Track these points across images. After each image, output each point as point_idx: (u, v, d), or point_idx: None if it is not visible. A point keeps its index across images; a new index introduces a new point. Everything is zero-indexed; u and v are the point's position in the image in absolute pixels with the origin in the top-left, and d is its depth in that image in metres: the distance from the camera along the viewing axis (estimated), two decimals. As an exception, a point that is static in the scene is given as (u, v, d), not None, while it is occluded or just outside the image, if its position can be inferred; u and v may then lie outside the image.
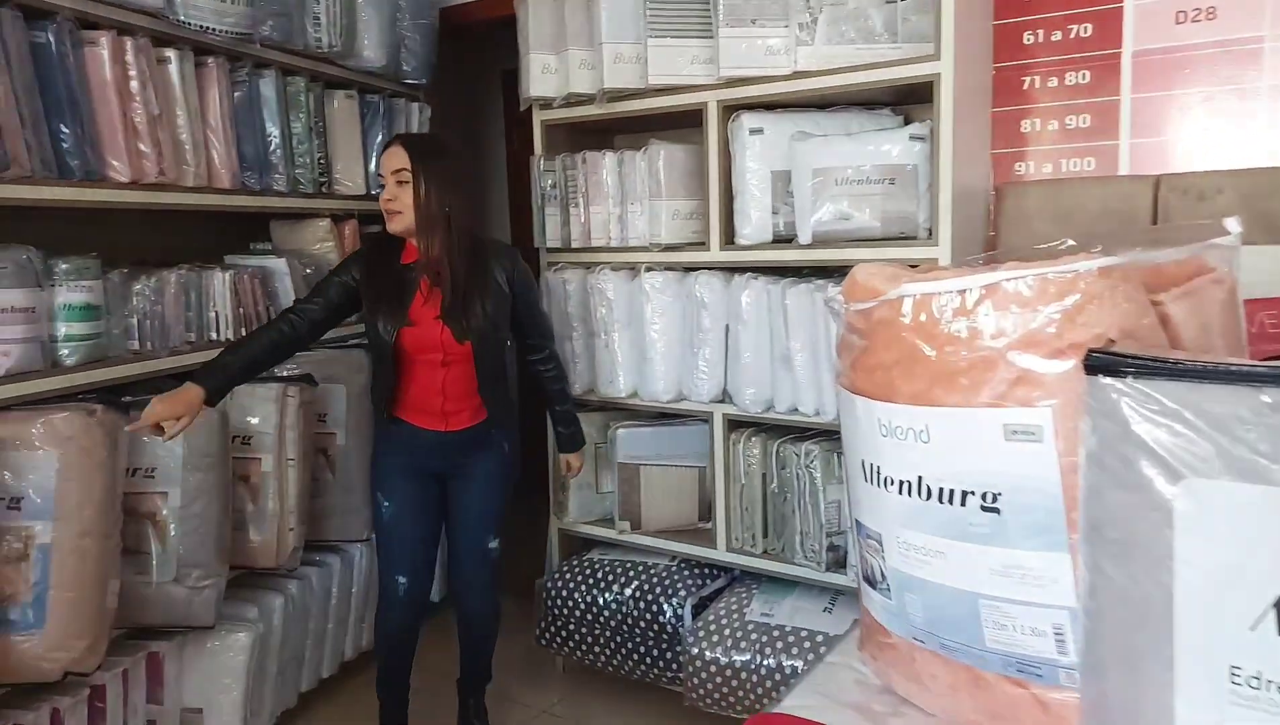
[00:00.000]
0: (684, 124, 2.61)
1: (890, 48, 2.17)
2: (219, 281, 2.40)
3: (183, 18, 2.19)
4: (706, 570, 2.65)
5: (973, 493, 0.99)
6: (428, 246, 2.05)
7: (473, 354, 2.09)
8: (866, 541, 1.16)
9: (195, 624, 2.18)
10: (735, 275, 2.42)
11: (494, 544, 2.26)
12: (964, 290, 0.99)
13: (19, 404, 1.89)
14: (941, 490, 1.02)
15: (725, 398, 2.50)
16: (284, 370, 2.57)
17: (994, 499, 0.98)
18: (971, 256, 1.46)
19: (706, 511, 2.65)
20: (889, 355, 1.08)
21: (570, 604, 2.69)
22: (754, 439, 2.47)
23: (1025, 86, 2.42)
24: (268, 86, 2.54)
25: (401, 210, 2.05)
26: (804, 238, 2.25)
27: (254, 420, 2.38)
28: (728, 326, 2.44)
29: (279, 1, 2.48)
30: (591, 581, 2.68)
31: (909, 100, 2.35)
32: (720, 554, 2.57)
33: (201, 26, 2.23)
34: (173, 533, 2.13)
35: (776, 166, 2.31)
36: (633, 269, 2.59)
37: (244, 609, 2.41)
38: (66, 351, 2.00)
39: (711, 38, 2.34)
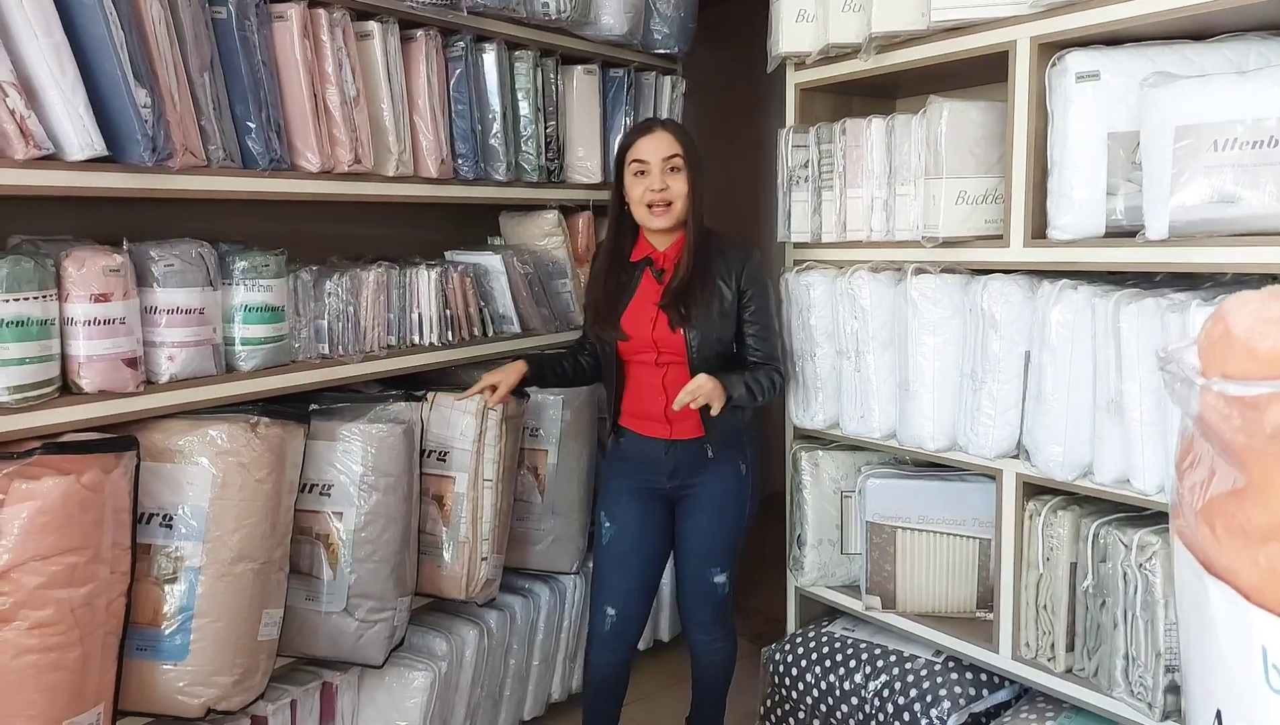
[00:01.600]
0: (980, 78, 1.95)
1: (1323, -69, 1.37)
2: (425, 280, 2.18)
3: (385, -14, 1.97)
4: (983, 677, 1.98)
5: None
6: (690, 241, 1.90)
7: (687, 353, 1.89)
8: None
9: (362, 662, 1.98)
10: (1044, 282, 1.74)
11: (720, 578, 2.00)
12: None
13: (186, 413, 1.76)
14: None
15: (1020, 452, 1.82)
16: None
17: None
18: None
19: (988, 598, 1.98)
20: None
21: (802, 685, 2.16)
22: (1061, 514, 1.76)
23: None
24: (489, 62, 2.27)
25: (673, 200, 1.89)
26: (1157, 230, 1.52)
27: (452, 434, 2.13)
28: (1028, 354, 1.76)
29: (498, -37, 2.20)
30: (830, 663, 2.13)
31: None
32: (1002, 660, 1.90)
33: (403, -7, 1.99)
34: (345, 558, 1.93)
35: (1117, 127, 1.60)
36: (898, 270, 1.98)
37: (433, 641, 2.19)
38: (244, 355, 1.85)
39: (1023, -51, 1.66)
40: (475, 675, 2.25)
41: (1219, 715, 0.57)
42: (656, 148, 1.89)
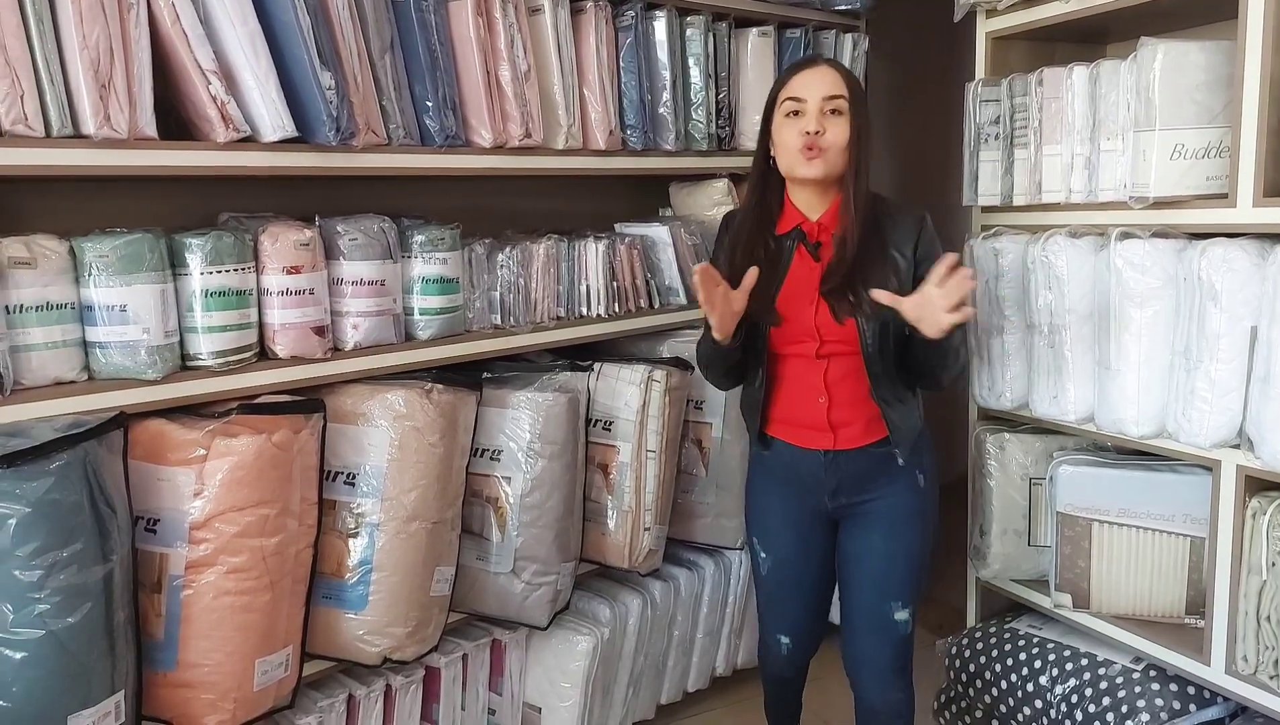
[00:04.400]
0: (1206, 17, 1.70)
1: None
2: (593, 252, 2.19)
3: (552, -40, 1.98)
4: (1189, 690, 1.77)
5: None
6: (847, 202, 1.60)
7: (859, 343, 1.59)
8: None
9: (527, 622, 2.04)
10: (1278, 247, 1.49)
11: (903, 615, 1.68)
12: None
13: (370, 379, 1.87)
14: None
15: (1242, 442, 1.59)
16: (662, 350, 2.31)
17: None
18: None
19: (1198, 603, 1.76)
20: None
21: (981, 682, 2.03)
22: (1292, 513, 1.53)
23: None
24: (659, 30, 2.24)
25: (828, 147, 1.57)
26: None
27: (617, 404, 2.15)
28: (1254, 330, 1.54)
29: (671, -73, 2.15)
30: (1012, 661, 1.98)
31: None
32: (1213, 674, 1.69)
33: (574, -34, 2.00)
34: (512, 521, 1.99)
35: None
36: (1101, 235, 1.78)
37: (598, 607, 2.23)
38: (422, 325, 1.94)
39: None
40: (639, 644, 2.27)
41: None
42: (817, 84, 1.59)
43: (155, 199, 1.84)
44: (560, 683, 2.14)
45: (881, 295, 1.49)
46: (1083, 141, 1.81)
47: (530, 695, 2.18)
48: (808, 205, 1.67)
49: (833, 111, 1.58)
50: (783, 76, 1.68)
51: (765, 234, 1.68)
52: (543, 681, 2.16)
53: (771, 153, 1.68)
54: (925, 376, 1.65)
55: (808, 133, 1.57)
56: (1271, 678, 1.59)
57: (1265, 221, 1.55)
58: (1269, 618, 1.58)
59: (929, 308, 1.43)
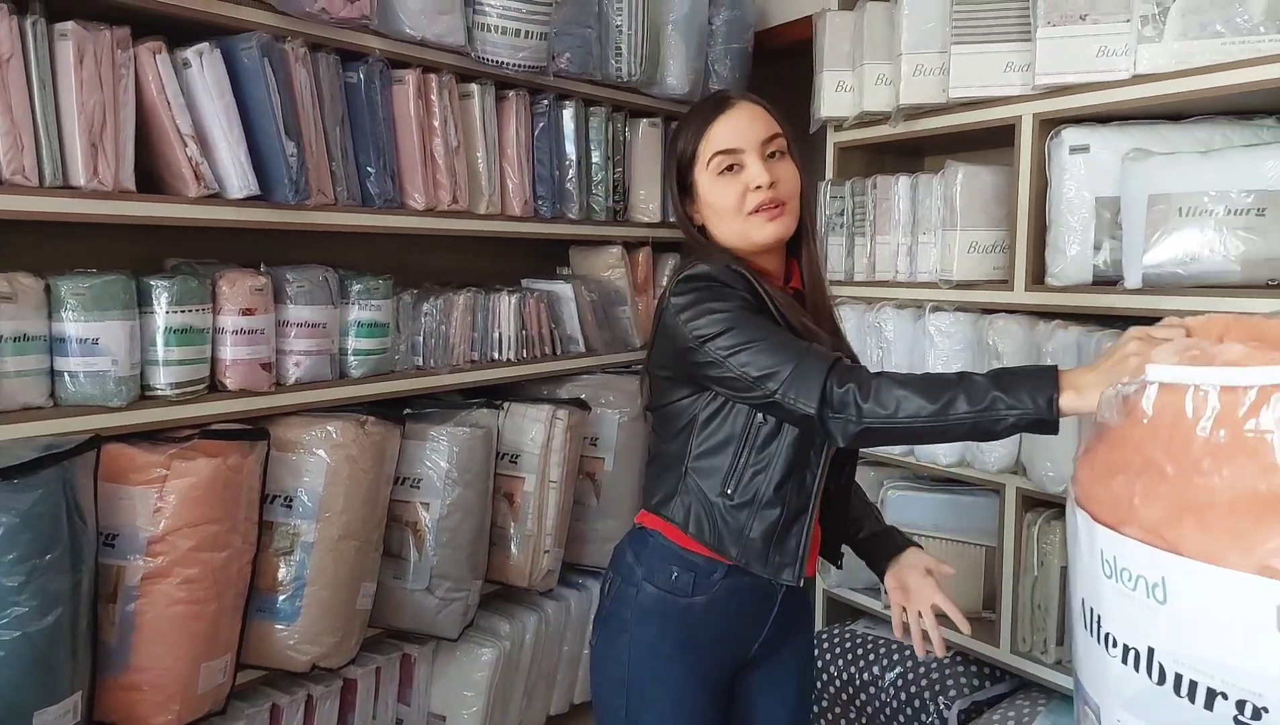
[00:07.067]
0: (992, 143, 2.23)
1: (1275, 40, 1.64)
2: (506, 304, 2.49)
3: (481, 54, 2.29)
4: (985, 670, 2.22)
5: (1224, 695, 0.69)
6: (813, 264, 1.41)
7: None
8: (1084, 709, 0.85)
9: (439, 634, 2.26)
10: (1041, 322, 2.00)
11: None
12: (1241, 387, 0.64)
13: (305, 411, 2.07)
14: (1179, 678, 0.71)
15: (1019, 468, 2.07)
16: (561, 392, 2.62)
17: (1257, 715, 0.67)
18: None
19: (992, 600, 2.23)
20: (1129, 457, 0.75)
21: (825, 677, 2.41)
22: (1055, 523, 2.02)
23: None
24: (568, 117, 2.60)
25: (788, 197, 1.33)
26: (1133, 280, 1.79)
27: (523, 439, 2.44)
28: (1028, 384, 2.02)
29: (579, 35, 2.52)
30: (853, 656, 2.38)
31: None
32: (1002, 654, 2.14)
33: (498, 62, 2.32)
34: (429, 543, 2.22)
35: (1103, 192, 1.87)
36: (919, 307, 2.26)
37: (497, 624, 2.47)
38: (355, 364, 2.16)
39: (1029, 40, 1.96)
40: (534, 657, 2.52)
41: (1083, 601, 0.83)
42: (748, 128, 1.31)
43: (107, 241, 1.95)
44: (464, 692, 2.36)
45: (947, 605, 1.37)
46: (906, 234, 2.29)
47: (435, 706, 2.38)
48: (774, 271, 1.40)
49: (779, 154, 1.34)
50: (694, 127, 1.36)
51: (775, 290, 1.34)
52: (448, 692, 2.37)
53: (698, 223, 1.40)
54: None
55: (758, 187, 1.29)
56: (1042, 653, 2.06)
57: (1033, 302, 2.06)
58: (1040, 605, 2.05)
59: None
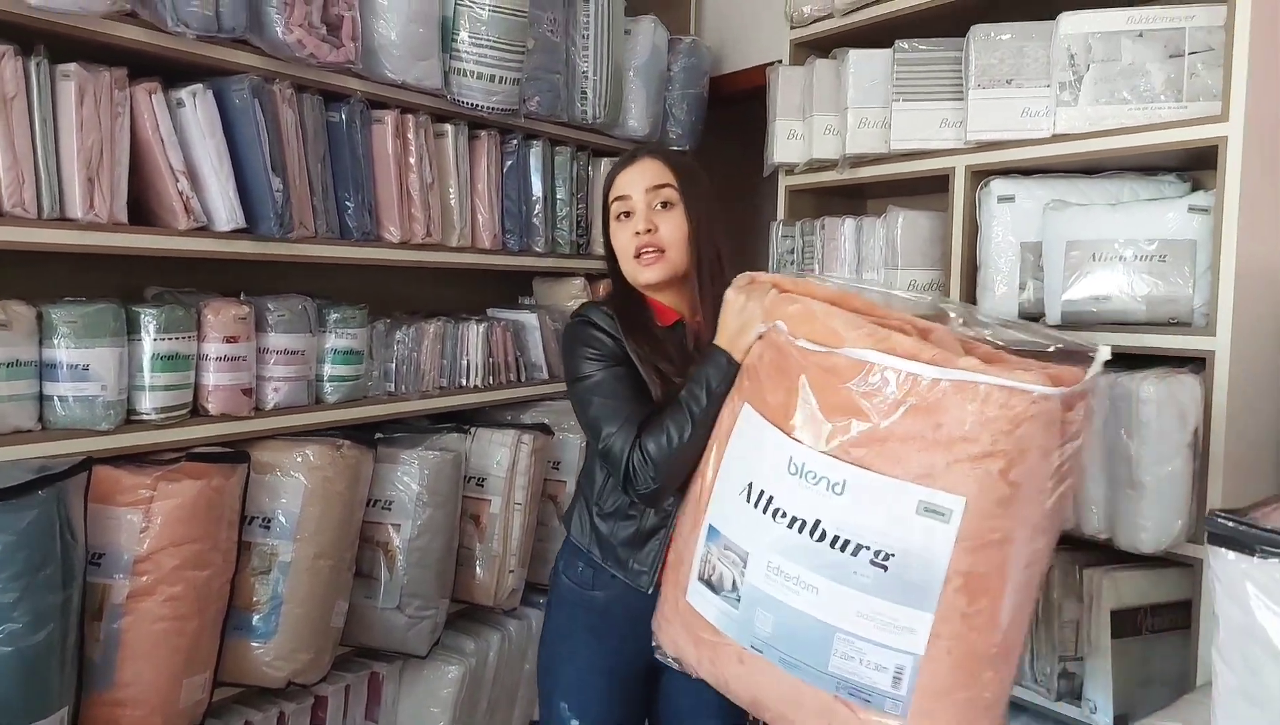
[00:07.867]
0: (932, 190, 2.43)
1: (1173, 107, 1.86)
2: (474, 332, 2.60)
3: (457, 97, 2.42)
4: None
5: (868, 548, 1.10)
6: (702, 305, 1.49)
7: None
8: (724, 552, 1.23)
9: (409, 652, 2.34)
10: (975, 356, 2.18)
11: None
12: (917, 376, 1.10)
13: (283, 435, 2.15)
14: (837, 538, 1.12)
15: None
16: (526, 418, 2.73)
17: (886, 558, 1.09)
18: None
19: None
20: (810, 397, 1.18)
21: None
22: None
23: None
24: (535, 156, 2.74)
25: (667, 246, 1.46)
26: (1052, 317, 1.98)
27: (489, 463, 2.54)
28: (963, 412, 2.21)
29: (548, 80, 2.66)
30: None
31: (1201, 166, 2.00)
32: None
33: (472, 105, 2.45)
34: (400, 563, 2.30)
35: (1027, 237, 2.07)
36: (864, 342, 2.44)
37: (462, 642, 2.55)
38: (330, 390, 2.25)
39: (962, 100, 2.16)
40: (496, 674, 2.60)
41: (751, 484, 1.18)
42: (638, 178, 1.47)
43: (94, 270, 2.03)
44: (431, 708, 2.43)
45: None
46: (851, 272, 2.48)
47: (402, 722, 2.45)
48: (676, 306, 1.54)
49: (663, 205, 1.46)
50: (609, 177, 1.56)
51: (651, 326, 1.52)
52: (415, 708, 2.44)
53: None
54: None
55: (637, 233, 1.45)
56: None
57: (970, 336, 2.24)
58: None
59: None
